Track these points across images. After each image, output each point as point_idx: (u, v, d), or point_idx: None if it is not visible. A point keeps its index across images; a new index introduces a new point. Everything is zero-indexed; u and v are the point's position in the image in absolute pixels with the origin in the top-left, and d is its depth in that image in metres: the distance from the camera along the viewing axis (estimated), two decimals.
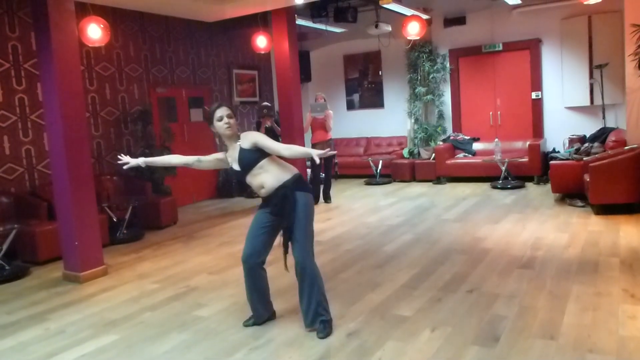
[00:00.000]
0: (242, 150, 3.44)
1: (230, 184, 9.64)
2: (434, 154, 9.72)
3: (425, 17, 9.24)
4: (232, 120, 3.46)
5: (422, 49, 10.21)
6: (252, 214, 8.29)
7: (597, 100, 8.95)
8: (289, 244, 3.47)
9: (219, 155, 3.68)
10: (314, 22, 9.32)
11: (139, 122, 8.02)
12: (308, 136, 8.47)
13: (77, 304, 4.46)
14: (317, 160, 3.23)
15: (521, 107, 9.84)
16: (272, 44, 8.45)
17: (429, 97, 10.26)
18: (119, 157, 3.83)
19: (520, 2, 9.11)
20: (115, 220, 6.71)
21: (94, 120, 7.61)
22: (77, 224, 5.08)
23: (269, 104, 8.73)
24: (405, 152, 10.42)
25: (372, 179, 10.25)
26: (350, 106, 11.76)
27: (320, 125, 8.24)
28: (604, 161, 6.27)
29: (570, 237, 5.43)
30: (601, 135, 7.94)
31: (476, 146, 9.84)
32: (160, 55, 8.70)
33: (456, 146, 9.92)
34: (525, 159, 8.78)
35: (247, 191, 9.52)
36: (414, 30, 8.19)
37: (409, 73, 10.51)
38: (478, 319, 3.54)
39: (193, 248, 6.14)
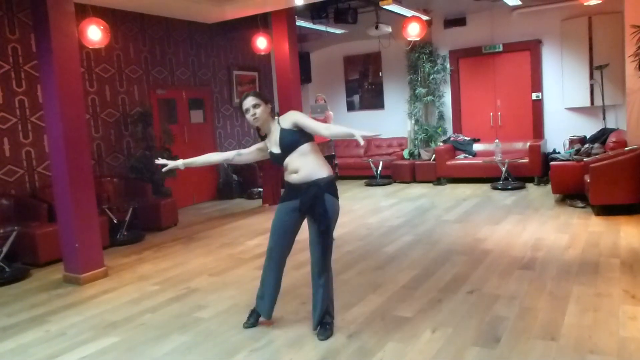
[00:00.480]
0: (282, 131, 3.38)
1: (231, 186, 9.64)
2: (434, 155, 9.71)
3: (425, 18, 9.25)
4: (258, 110, 3.41)
5: (422, 50, 10.21)
6: (252, 215, 8.31)
7: (598, 101, 8.95)
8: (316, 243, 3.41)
9: (259, 145, 3.61)
10: (314, 23, 9.33)
11: (139, 124, 8.02)
12: None
13: (77, 306, 4.46)
14: (362, 142, 3.03)
15: (521, 108, 9.84)
16: (272, 45, 8.46)
17: (429, 98, 10.26)
18: (156, 160, 3.74)
19: (520, 3, 9.11)
20: (115, 222, 6.71)
21: (94, 122, 7.61)
22: (77, 225, 5.08)
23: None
24: (405, 153, 10.42)
25: (372, 180, 10.24)
26: (351, 107, 11.76)
27: None
28: (605, 162, 6.27)
29: (571, 238, 5.43)
30: (601, 136, 7.94)
31: (476, 147, 9.83)
32: (161, 57, 8.71)
33: (456, 147, 9.91)
34: (526, 160, 8.77)
35: (248, 192, 9.54)
36: (414, 32, 8.20)
37: (409, 74, 10.52)
38: (479, 320, 3.53)
39: (193, 249, 6.14)
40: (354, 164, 10.84)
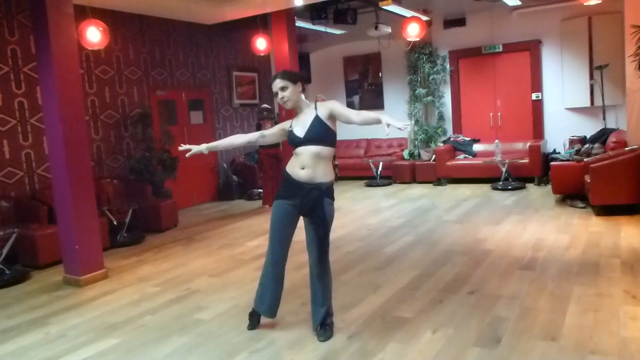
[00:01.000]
0: (316, 118, 3.31)
1: (231, 187, 9.64)
2: (434, 156, 9.71)
3: (425, 18, 9.26)
4: (286, 93, 3.32)
5: (422, 51, 10.21)
6: (252, 216, 8.29)
7: (598, 101, 8.94)
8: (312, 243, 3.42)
9: (284, 125, 3.51)
10: (313, 24, 9.33)
11: (139, 125, 8.02)
12: None
13: (77, 308, 4.45)
14: (387, 130, 2.90)
15: (521, 108, 9.84)
16: (271, 46, 8.46)
17: (429, 98, 10.26)
18: (179, 147, 3.62)
19: (520, 3, 9.11)
20: (115, 223, 6.70)
21: (94, 124, 7.61)
22: (77, 227, 5.07)
23: (269, 106, 8.74)
24: (405, 153, 10.41)
25: (372, 180, 10.24)
26: (351, 108, 11.70)
27: None
28: (605, 162, 6.27)
29: (571, 238, 5.42)
30: (601, 136, 7.93)
31: (476, 147, 9.83)
32: (160, 58, 8.71)
33: (456, 147, 9.91)
34: (526, 160, 8.77)
35: (248, 193, 9.54)
36: (413, 32, 8.20)
37: (409, 74, 10.51)
38: (479, 321, 3.53)
39: (193, 251, 6.14)
40: (354, 165, 10.83)
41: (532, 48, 9.60)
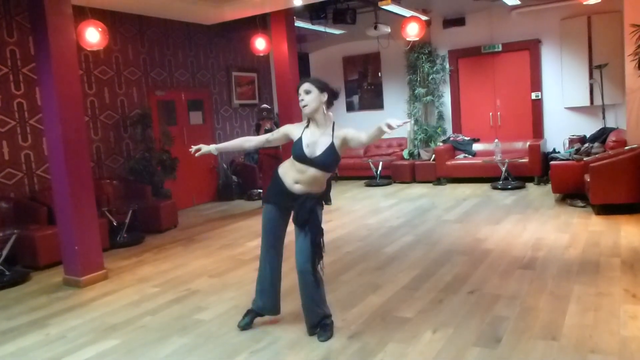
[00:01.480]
0: (331, 147, 3.24)
1: (230, 187, 9.64)
2: (434, 155, 9.71)
3: (424, 18, 9.25)
4: (308, 97, 3.24)
5: (421, 50, 10.20)
6: (252, 217, 8.30)
7: (597, 101, 8.94)
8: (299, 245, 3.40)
9: (291, 131, 3.41)
10: (313, 24, 9.33)
11: (139, 126, 8.02)
12: None
13: (77, 309, 4.45)
14: (387, 130, 2.84)
15: (521, 107, 9.83)
16: (271, 46, 8.46)
17: (428, 98, 10.26)
18: (190, 149, 3.61)
19: (519, 2, 9.11)
20: (115, 224, 6.70)
21: (93, 124, 7.61)
22: (77, 228, 5.07)
23: (269, 106, 8.73)
24: (405, 153, 10.41)
25: (372, 180, 10.24)
26: (350, 108, 11.75)
27: None
28: (605, 161, 6.27)
29: (571, 237, 5.42)
30: (601, 136, 7.94)
31: (476, 147, 9.83)
32: (159, 59, 8.70)
33: (456, 147, 9.91)
34: (526, 160, 8.77)
35: (247, 194, 9.54)
36: (413, 32, 8.20)
37: (408, 74, 10.51)
38: (479, 320, 3.52)
39: (193, 251, 6.13)
40: (354, 165, 10.83)
41: (532, 47, 9.60)
